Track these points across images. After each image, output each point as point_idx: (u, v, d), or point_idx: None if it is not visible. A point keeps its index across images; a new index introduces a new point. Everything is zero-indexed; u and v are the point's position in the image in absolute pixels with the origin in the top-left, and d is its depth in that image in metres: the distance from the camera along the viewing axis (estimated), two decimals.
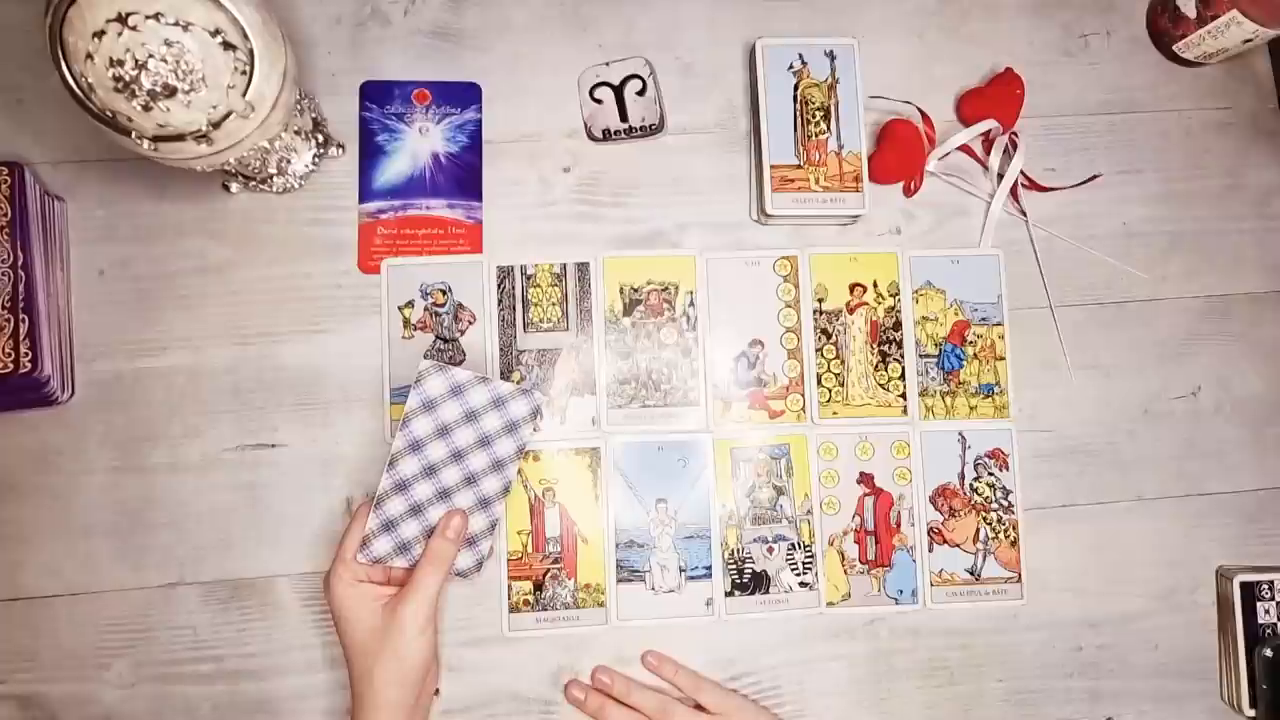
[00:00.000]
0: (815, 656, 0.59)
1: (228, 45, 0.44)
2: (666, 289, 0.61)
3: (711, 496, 0.59)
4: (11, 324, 0.53)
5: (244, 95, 0.45)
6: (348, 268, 0.59)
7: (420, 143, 0.61)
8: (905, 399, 0.61)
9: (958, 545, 0.60)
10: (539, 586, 0.58)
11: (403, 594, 0.49)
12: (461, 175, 0.61)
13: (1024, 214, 0.63)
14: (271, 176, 0.58)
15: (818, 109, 0.60)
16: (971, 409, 0.61)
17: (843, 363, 0.61)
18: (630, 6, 0.64)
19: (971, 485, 0.61)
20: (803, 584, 0.59)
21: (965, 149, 0.63)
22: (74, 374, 0.57)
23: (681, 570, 0.58)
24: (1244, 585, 0.59)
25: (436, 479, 0.51)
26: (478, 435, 0.51)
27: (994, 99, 0.63)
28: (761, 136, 0.60)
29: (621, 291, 0.60)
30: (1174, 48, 0.65)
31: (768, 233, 0.62)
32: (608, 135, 0.62)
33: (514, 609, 0.57)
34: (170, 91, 0.43)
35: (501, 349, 0.59)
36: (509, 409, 0.51)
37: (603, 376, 0.59)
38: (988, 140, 0.63)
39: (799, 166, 0.59)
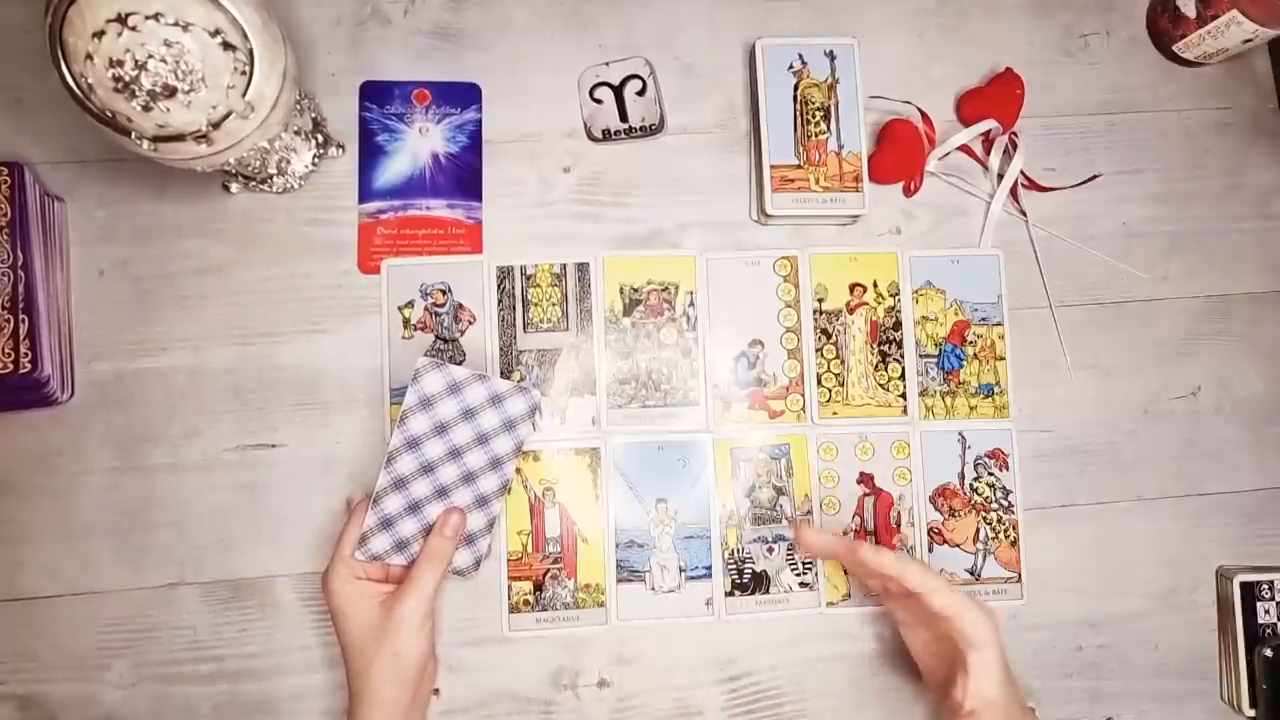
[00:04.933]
0: (815, 656, 0.59)
1: (227, 45, 0.44)
2: (666, 289, 0.61)
3: (711, 496, 0.59)
4: (11, 324, 0.53)
5: (244, 95, 0.45)
6: (348, 268, 0.59)
7: (420, 143, 0.61)
8: (905, 399, 0.61)
9: (958, 545, 0.60)
10: (539, 586, 0.58)
11: (400, 591, 0.49)
12: (461, 175, 0.61)
13: (1024, 214, 0.63)
14: (271, 176, 0.58)
15: (818, 109, 0.60)
16: (971, 409, 0.61)
17: (843, 363, 0.61)
18: (630, 6, 0.64)
19: (971, 485, 0.61)
20: (802, 584, 0.59)
21: (965, 149, 0.63)
22: (74, 374, 0.57)
23: (681, 570, 0.58)
24: (1244, 585, 0.59)
25: (434, 476, 0.51)
26: (475, 433, 0.51)
27: (994, 99, 0.63)
28: (761, 136, 0.60)
29: (621, 291, 0.60)
30: (1174, 48, 0.65)
31: (768, 233, 0.62)
32: (608, 135, 0.62)
33: (514, 609, 0.57)
34: (170, 92, 0.43)
35: (501, 349, 0.59)
36: (506, 406, 0.51)
37: (603, 376, 0.59)
38: (988, 140, 0.63)
39: (799, 166, 0.59)
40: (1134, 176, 0.65)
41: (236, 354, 0.58)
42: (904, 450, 0.60)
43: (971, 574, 0.60)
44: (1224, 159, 0.65)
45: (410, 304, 0.59)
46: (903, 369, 0.61)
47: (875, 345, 0.61)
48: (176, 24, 0.42)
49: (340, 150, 0.60)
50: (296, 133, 0.56)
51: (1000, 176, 0.63)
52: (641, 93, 0.62)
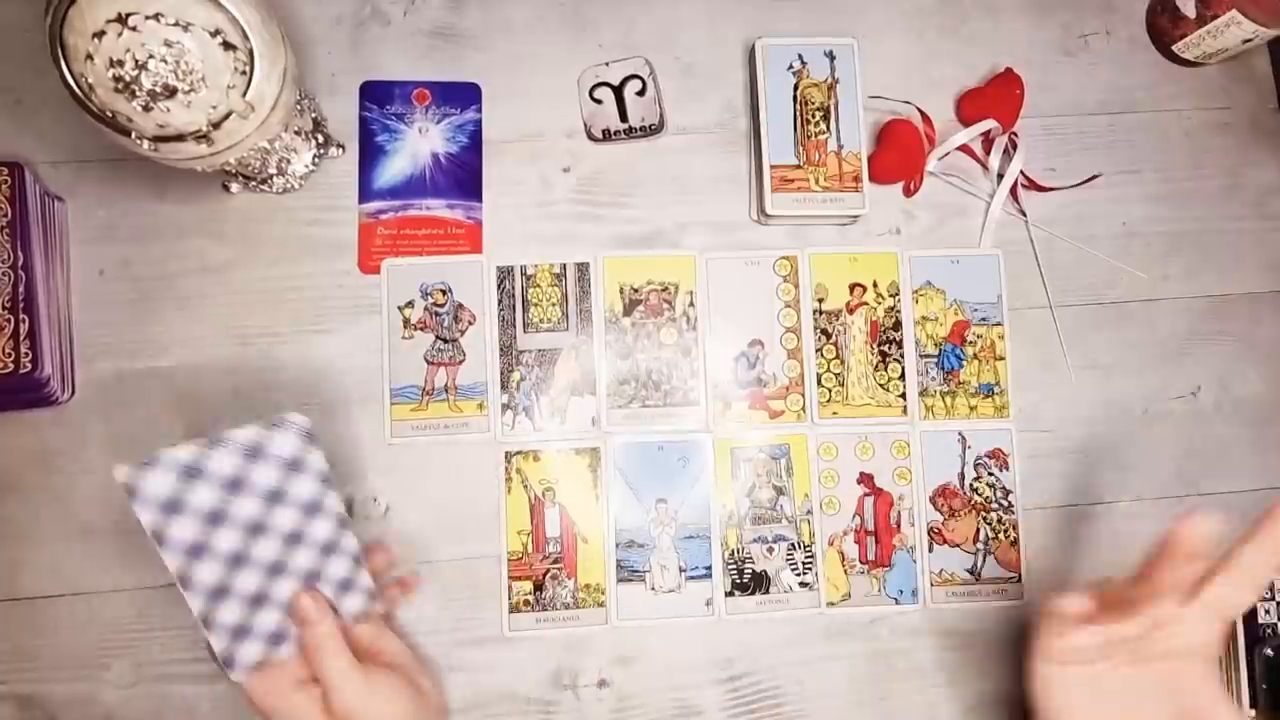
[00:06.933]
0: (815, 656, 0.59)
1: (228, 45, 0.44)
2: (666, 289, 0.61)
3: (711, 496, 0.59)
4: (11, 324, 0.53)
5: (244, 95, 0.45)
6: (348, 268, 0.59)
7: (420, 143, 0.61)
8: (905, 399, 0.61)
9: (958, 545, 0.60)
10: (539, 586, 0.58)
11: (325, 693, 0.44)
12: (461, 175, 0.61)
13: (1024, 214, 0.63)
14: (271, 177, 0.58)
15: (817, 109, 0.60)
16: (971, 409, 0.61)
17: (843, 363, 0.61)
18: (630, 6, 0.64)
19: (971, 485, 0.61)
20: (803, 584, 0.59)
21: (965, 149, 0.63)
22: (74, 374, 0.57)
23: (681, 570, 0.58)
24: None
25: (251, 561, 0.43)
26: (260, 496, 0.42)
27: (994, 99, 0.63)
28: (761, 136, 0.60)
29: (621, 291, 0.60)
30: (1174, 48, 0.65)
31: (768, 233, 0.62)
32: (608, 135, 0.62)
33: (514, 609, 0.57)
34: (170, 92, 0.43)
35: (501, 349, 0.59)
36: (273, 450, 0.42)
37: (603, 376, 0.59)
38: (988, 140, 0.63)
39: (799, 166, 0.59)
40: (1134, 176, 0.65)
41: (236, 354, 0.58)
42: (904, 450, 0.60)
43: (971, 574, 0.60)
44: (1224, 159, 0.65)
45: (410, 304, 0.59)
46: (903, 369, 0.61)
47: (875, 345, 0.61)
48: (177, 24, 0.42)
49: (340, 150, 0.60)
50: (297, 133, 0.56)
51: (1000, 176, 0.63)
52: (641, 93, 0.62)
